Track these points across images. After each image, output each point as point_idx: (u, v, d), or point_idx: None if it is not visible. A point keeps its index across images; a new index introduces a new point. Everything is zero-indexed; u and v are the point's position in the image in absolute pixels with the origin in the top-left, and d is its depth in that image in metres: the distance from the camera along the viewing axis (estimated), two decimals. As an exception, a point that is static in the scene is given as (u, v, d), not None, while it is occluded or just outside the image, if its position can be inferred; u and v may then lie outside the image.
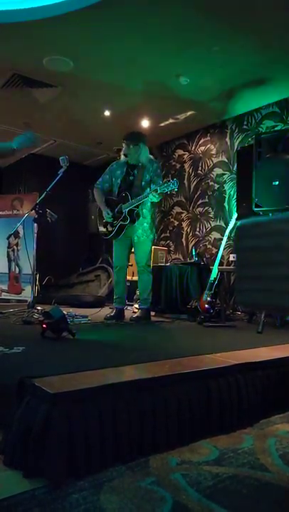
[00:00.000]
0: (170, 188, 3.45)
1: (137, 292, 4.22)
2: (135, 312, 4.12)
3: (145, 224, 3.80)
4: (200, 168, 5.64)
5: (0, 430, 1.56)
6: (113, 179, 3.93)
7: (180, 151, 5.98)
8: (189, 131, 5.74)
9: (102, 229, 3.99)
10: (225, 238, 4.13)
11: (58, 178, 3.69)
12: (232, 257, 4.94)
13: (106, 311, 4.14)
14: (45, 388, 1.44)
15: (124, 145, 3.82)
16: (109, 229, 3.87)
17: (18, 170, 7.28)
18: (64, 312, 2.67)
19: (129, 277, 4.34)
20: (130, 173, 3.84)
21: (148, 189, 3.67)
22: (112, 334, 3.10)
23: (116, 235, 3.83)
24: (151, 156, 3.91)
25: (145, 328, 3.54)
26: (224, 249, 4.26)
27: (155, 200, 3.68)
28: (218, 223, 5.35)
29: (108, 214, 3.82)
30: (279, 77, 4.17)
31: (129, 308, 4.43)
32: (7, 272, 5.70)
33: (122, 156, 3.89)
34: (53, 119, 5.44)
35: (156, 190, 3.49)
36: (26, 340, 2.48)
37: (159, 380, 1.70)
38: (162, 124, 5.51)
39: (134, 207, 3.71)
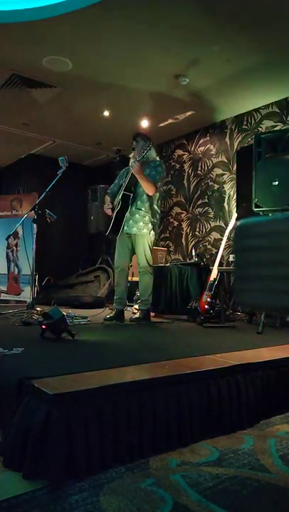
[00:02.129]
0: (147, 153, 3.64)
1: (137, 293, 4.21)
2: (135, 313, 4.11)
3: (137, 216, 3.74)
4: (200, 169, 5.64)
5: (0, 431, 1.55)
6: (121, 181, 3.97)
7: (179, 152, 5.98)
8: (189, 131, 5.74)
9: (102, 228, 4.03)
10: (225, 238, 4.13)
11: (57, 178, 3.69)
12: (232, 258, 4.94)
13: (106, 312, 4.15)
14: (45, 389, 1.44)
15: (134, 142, 3.86)
16: (108, 223, 3.92)
17: (18, 170, 7.27)
18: (63, 313, 2.67)
19: (128, 278, 4.34)
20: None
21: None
22: (111, 335, 3.10)
23: (114, 229, 3.82)
24: (158, 158, 3.97)
25: (145, 329, 3.53)
26: (224, 249, 4.25)
27: (148, 186, 3.67)
28: (217, 223, 5.35)
29: (107, 205, 3.92)
30: (279, 77, 4.17)
31: (128, 308, 4.43)
32: (6, 272, 5.70)
33: (131, 161, 3.89)
34: (52, 119, 5.44)
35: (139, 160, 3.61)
36: (26, 341, 2.48)
37: (159, 381, 1.70)
38: (162, 124, 5.50)
39: (128, 192, 3.73)
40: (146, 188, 3.68)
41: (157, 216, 3.90)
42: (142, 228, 3.75)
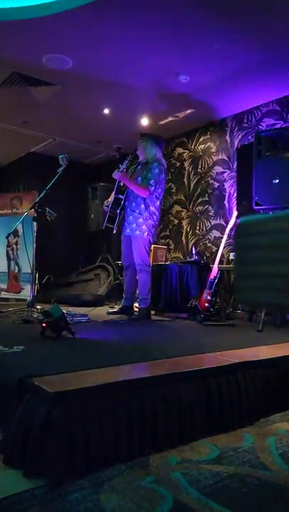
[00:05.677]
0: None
1: (137, 291, 4.22)
2: (136, 311, 4.12)
3: (131, 217, 3.82)
4: (200, 167, 5.63)
5: (0, 429, 1.56)
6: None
7: (180, 150, 5.97)
8: (189, 129, 5.73)
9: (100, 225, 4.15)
10: (225, 236, 4.12)
11: (57, 176, 3.69)
12: (232, 256, 4.94)
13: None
14: (45, 387, 1.44)
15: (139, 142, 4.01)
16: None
17: (18, 168, 7.26)
18: (64, 311, 2.67)
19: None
20: (136, 169, 3.96)
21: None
22: (111, 333, 3.10)
23: (108, 223, 3.94)
24: (160, 159, 3.93)
25: (145, 327, 3.54)
26: (224, 247, 4.25)
27: (137, 190, 3.75)
28: (218, 221, 5.34)
29: (106, 202, 4.04)
30: (279, 75, 4.15)
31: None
32: (6, 271, 5.69)
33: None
34: (52, 117, 5.43)
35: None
36: (26, 340, 2.48)
37: (159, 379, 1.70)
38: (162, 122, 5.49)
39: (120, 195, 3.83)
40: (136, 191, 3.75)
41: (154, 218, 3.85)
42: (135, 230, 3.81)
